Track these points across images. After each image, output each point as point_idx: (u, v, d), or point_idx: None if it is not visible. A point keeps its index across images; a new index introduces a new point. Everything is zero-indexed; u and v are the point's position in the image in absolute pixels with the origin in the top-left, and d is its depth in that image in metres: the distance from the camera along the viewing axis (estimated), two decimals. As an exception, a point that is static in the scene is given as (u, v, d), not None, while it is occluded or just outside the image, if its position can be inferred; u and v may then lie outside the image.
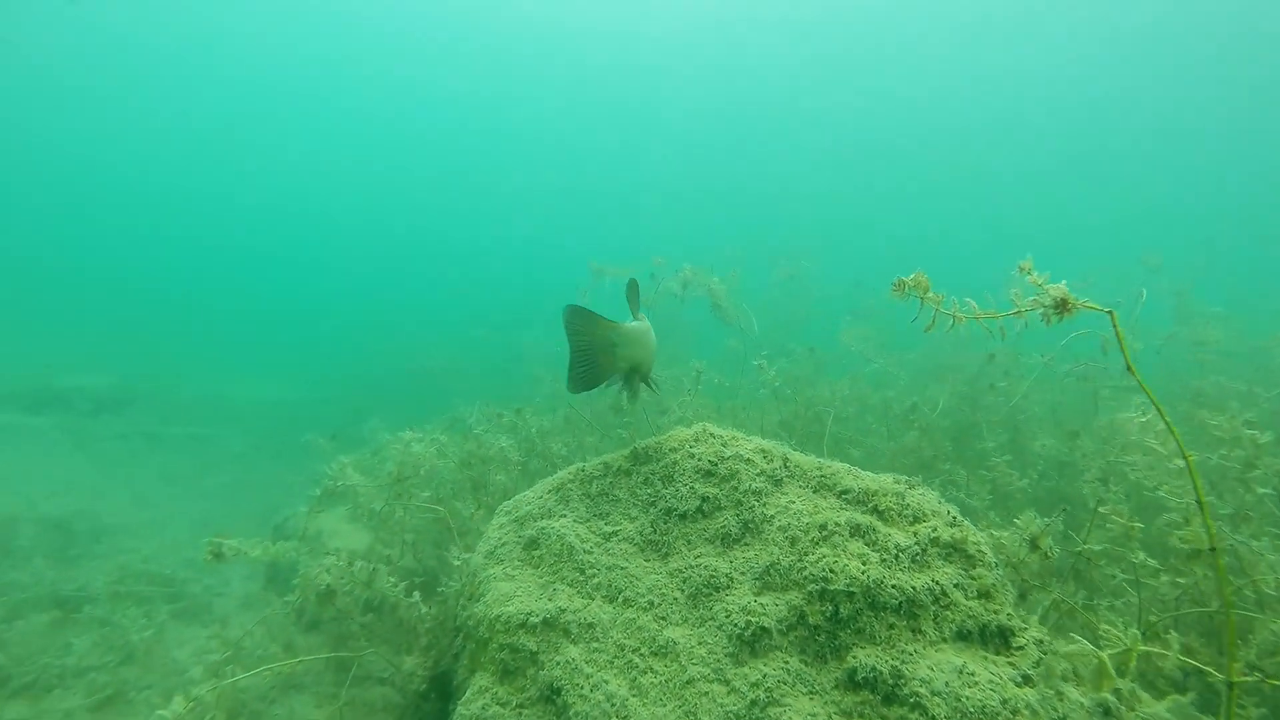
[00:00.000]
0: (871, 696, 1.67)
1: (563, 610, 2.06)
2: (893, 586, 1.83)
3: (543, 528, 2.48)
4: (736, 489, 2.40)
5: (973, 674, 1.64)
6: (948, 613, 1.81)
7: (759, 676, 1.77)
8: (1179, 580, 2.29)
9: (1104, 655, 1.62)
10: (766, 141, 39.85)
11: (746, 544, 2.28)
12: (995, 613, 1.82)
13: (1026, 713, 1.54)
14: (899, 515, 2.16)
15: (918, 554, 1.95)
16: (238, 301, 36.00)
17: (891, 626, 1.79)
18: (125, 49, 36.06)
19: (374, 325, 15.86)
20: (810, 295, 8.98)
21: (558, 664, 1.88)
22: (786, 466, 2.52)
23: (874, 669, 1.69)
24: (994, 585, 1.87)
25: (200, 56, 37.69)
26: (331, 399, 11.89)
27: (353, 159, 46.71)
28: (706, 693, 1.77)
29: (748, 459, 2.52)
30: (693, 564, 2.24)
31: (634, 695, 1.80)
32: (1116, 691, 1.59)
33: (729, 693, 1.76)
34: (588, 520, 2.56)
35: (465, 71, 38.89)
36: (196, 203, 46.72)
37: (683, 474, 2.51)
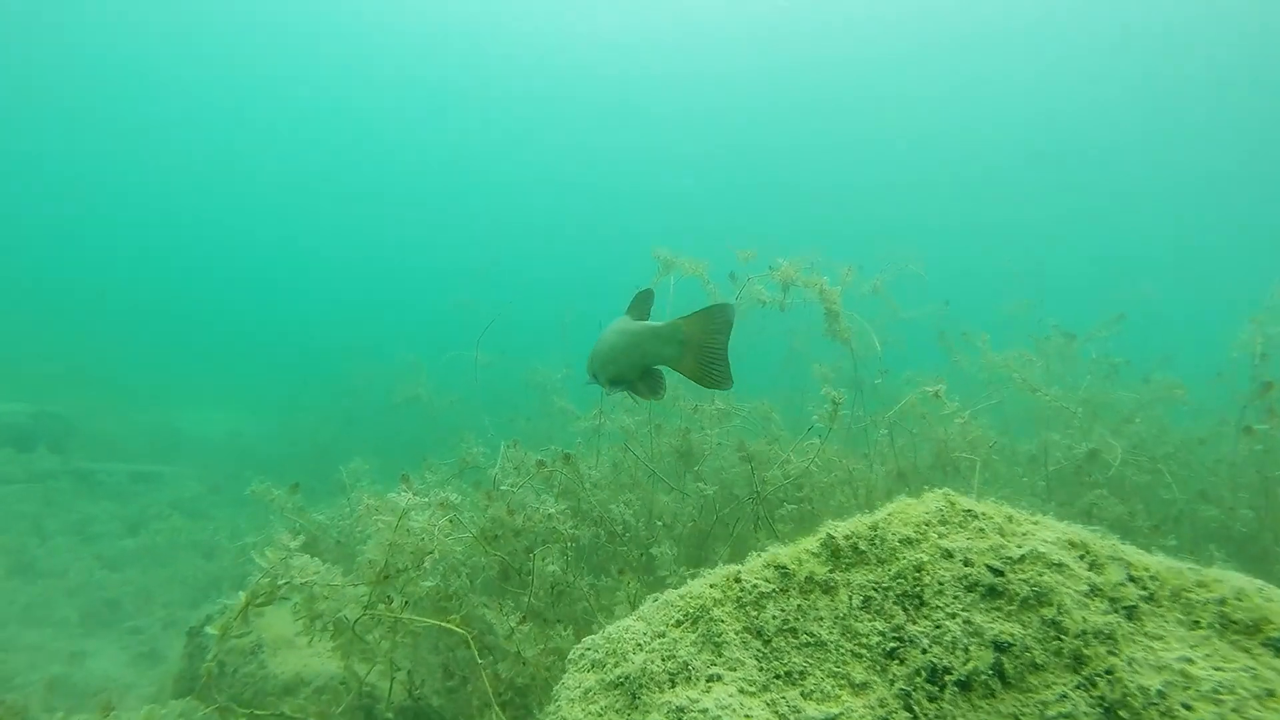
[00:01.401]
0: None
1: None
2: None
3: (681, 712, 1.23)
4: (1058, 626, 1.27)
5: None
6: None
7: None
8: None
9: None
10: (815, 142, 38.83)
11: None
12: None
13: None
14: None
15: None
16: (194, 319, 34.24)
17: None
18: (90, 54, 34.81)
19: (353, 348, 14.34)
20: (890, 313, 7.69)
21: None
22: (1135, 579, 1.36)
23: None
24: None
25: (162, 63, 36.51)
26: (305, 434, 10.28)
27: (329, 165, 45.25)
28: None
29: (1057, 562, 1.35)
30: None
31: None
32: None
33: None
34: (765, 689, 1.33)
35: (457, 78, 37.97)
36: (145, 218, 44.83)
37: (941, 591, 1.36)
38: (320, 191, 45.85)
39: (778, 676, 1.37)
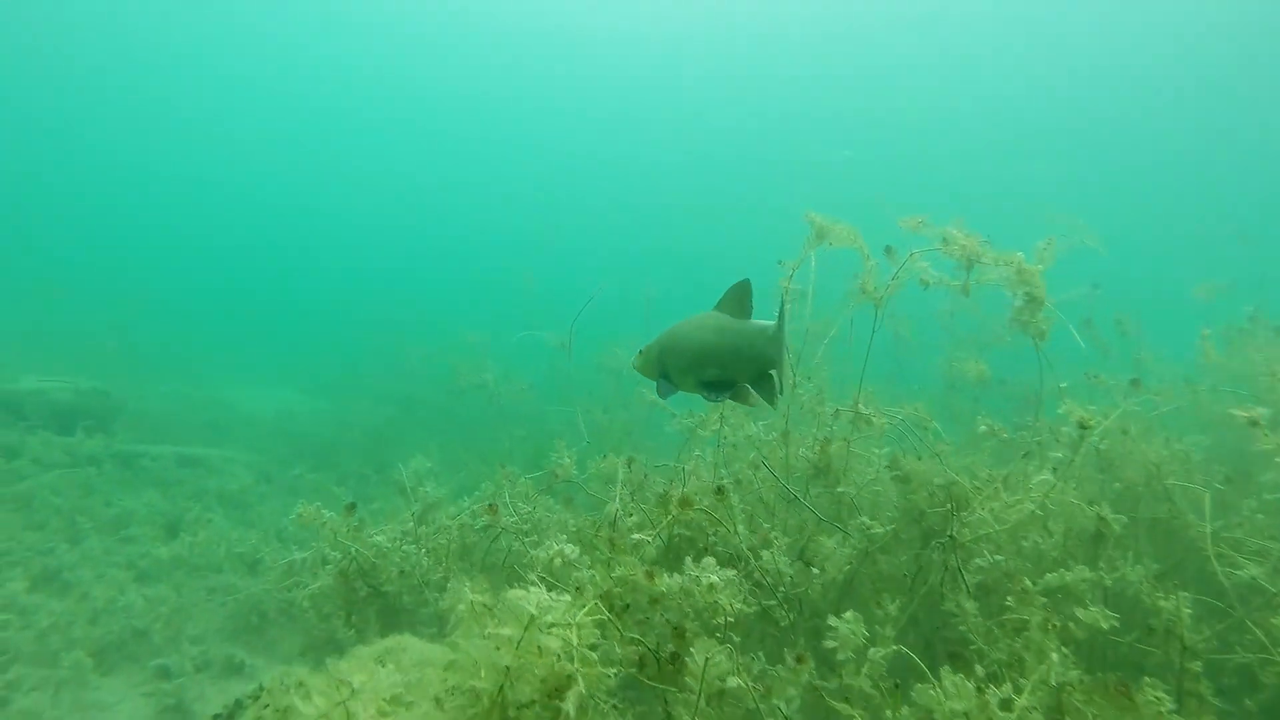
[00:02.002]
0: None
1: None
2: None
3: None
4: None
5: None
6: None
7: None
8: None
9: None
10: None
11: None
12: None
13: None
14: None
15: None
16: (248, 293, 34.40)
17: None
18: (112, 42, 34.92)
19: (411, 325, 13.76)
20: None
21: None
22: None
23: None
24: None
25: (196, 49, 36.43)
26: (359, 418, 9.68)
27: (388, 136, 44.87)
28: None
29: None
30: None
31: None
32: None
33: None
34: None
35: (523, 46, 37.00)
36: (197, 192, 45.21)
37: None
38: (378, 163, 45.68)
39: None
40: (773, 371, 2.18)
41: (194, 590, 4.23)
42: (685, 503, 2.24)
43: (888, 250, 3.46)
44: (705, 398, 2.36)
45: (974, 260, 3.35)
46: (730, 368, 2.21)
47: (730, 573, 2.05)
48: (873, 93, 33.31)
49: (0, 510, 5.39)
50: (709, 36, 33.92)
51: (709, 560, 2.03)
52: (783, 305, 2.18)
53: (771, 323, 2.16)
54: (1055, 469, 2.52)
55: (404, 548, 3.47)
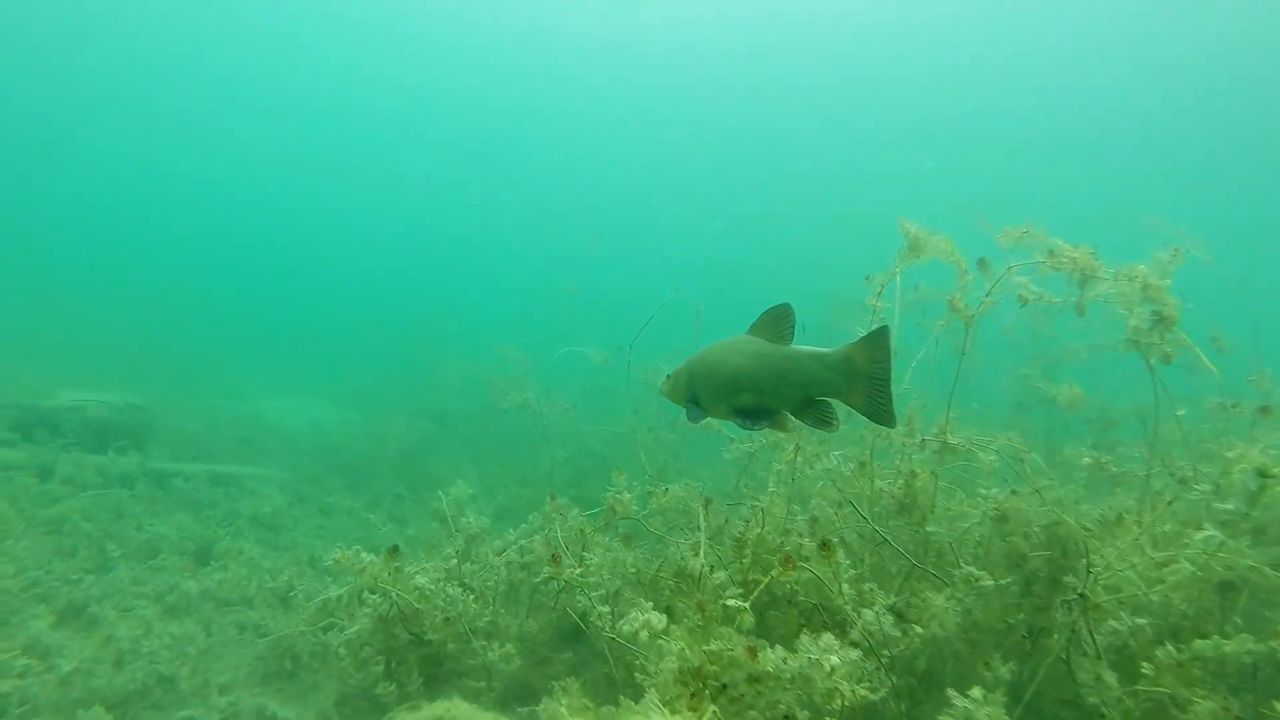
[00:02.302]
0: None
1: None
2: None
3: None
4: None
5: None
6: None
7: None
8: None
9: None
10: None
11: None
12: None
13: None
14: None
15: None
16: (281, 302, 34.69)
17: None
18: (141, 48, 35.45)
19: (445, 337, 13.62)
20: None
21: None
22: None
23: None
24: None
25: (233, 55, 36.92)
26: (393, 434, 9.48)
27: (417, 157, 45.26)
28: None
29: None
30: None
31: None
32: None
33: None
34: None
35: (560, 51, 36.98)
36: (228, 199, 45.82)
37: None
38: (413, 170, 46.00)
39: None
40: (827, 399, 2.10)
41: (224, 627, 3.98)
42: (788, 563, 1.90)
43: (981, 263, 3.11)
44: (739, 425, 2.22)
45: (1088, 275, 2.99)
46: (770, 394, 2.12)
47: (854, 653, 1.70)
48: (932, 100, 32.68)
49: (32, 536, 5.22)
50: (775, 42, 33.46)
51: (828, 639, 1.68)
52: (882, 331, 2.01)
53: (829, 349, 2.09)
54: (1218, 524, 2.13)
55: (447, 589, 3.16)
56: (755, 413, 2.18)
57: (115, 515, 5.95)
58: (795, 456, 3.19)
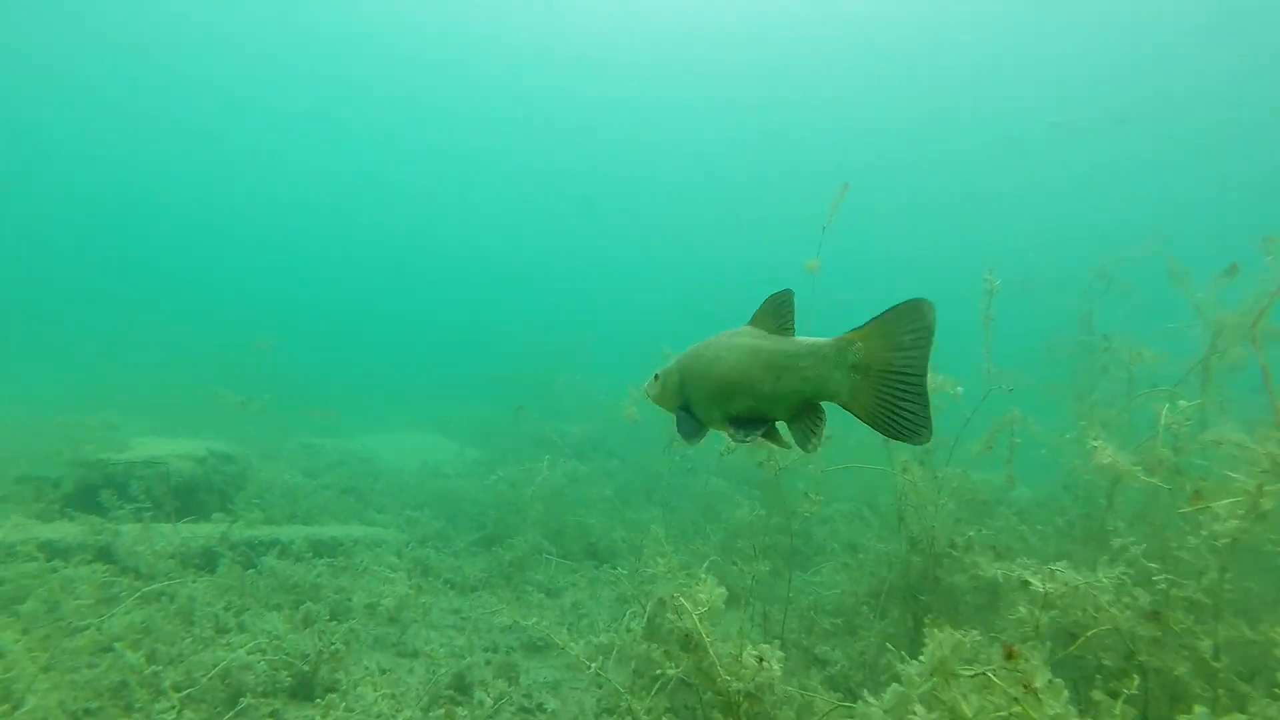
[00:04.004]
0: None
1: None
2: None
3: None
4: None
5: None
6: None
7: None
8: None
9: None
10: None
11: None
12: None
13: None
14: None
15: None
16: (373, 334, 34.03)
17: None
18: (236, 87, 35.81)
19: (558, 357, 11.83)
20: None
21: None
22: None
23: None
24: None
25: (326, 92, 37.06)
26: (521, 474, 7.56)
27: (528, 165, 44.49)
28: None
29: None
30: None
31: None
32: None
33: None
34: None
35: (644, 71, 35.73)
36: (310, 223, 46.05)
37: None
38: (526, 188, 45.39)
39: None
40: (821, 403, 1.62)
41: None
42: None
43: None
44: (731, 436, 1.77)
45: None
46: (764, 399, 1.67)
47: None
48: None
49: (76, 663, 3.50)
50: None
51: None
52: (914, 305, 1.39)
53: (828, 338, 1.56)
54: None
55: None
56: (749, 421, 1.74)
57: (184, 622, 4.19)
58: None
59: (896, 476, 4.88)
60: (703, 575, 3.26)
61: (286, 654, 3.84)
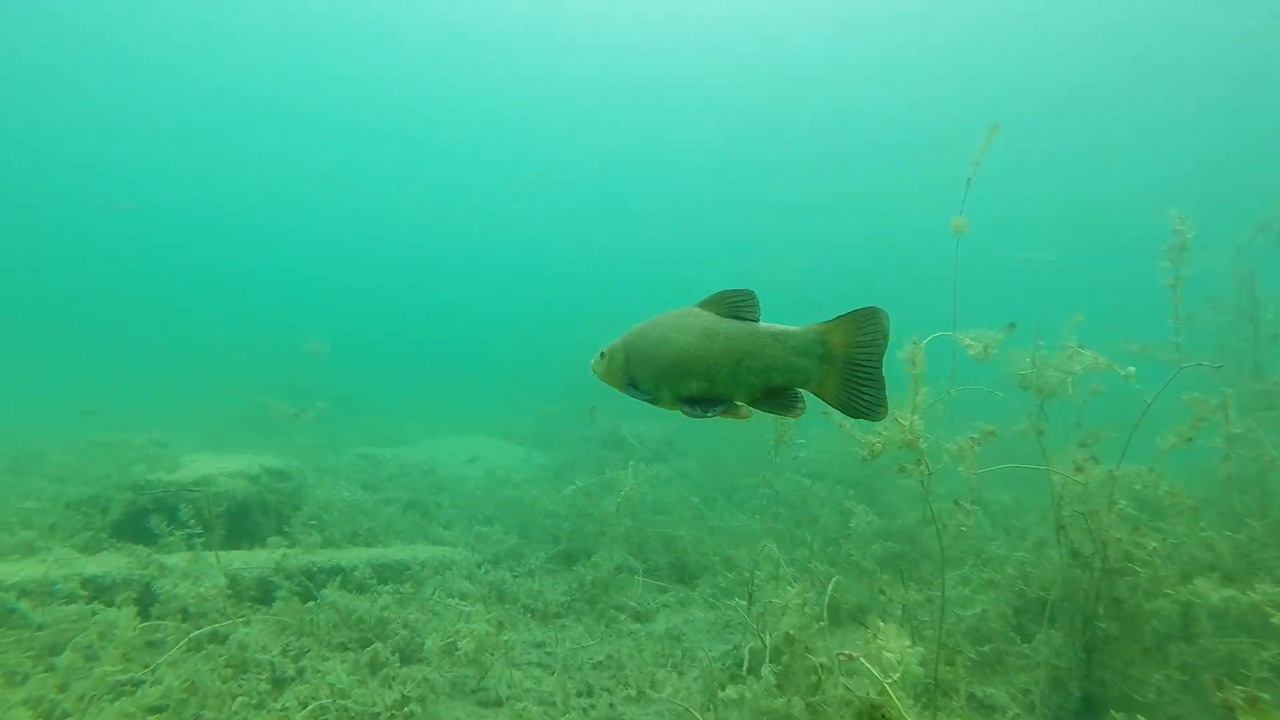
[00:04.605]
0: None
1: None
2: None
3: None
4: None
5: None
6: None
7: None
8: None
9: None
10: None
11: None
12: None
13: None
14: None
15: None
16: (427, 331, 33.94)
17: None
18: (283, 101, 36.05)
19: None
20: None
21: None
22: None
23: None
24: None
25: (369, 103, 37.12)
26: (597, 485, 6.86)
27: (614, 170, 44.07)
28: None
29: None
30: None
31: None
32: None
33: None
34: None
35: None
36: (360, 223, 46.20)
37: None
38: (588, 179, 45.05)
39: None
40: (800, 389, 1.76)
41: None
42: None
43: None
44: (685, 414, 1.84)
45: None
46: (721, 382, 1.78)
47: None
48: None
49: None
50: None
51: None
52: (873, 310, 1.69)
53: (797, 328, 1.73)
54: None
55: None
56: (703, 401, 1.82)
57: (236, 671, 3.60)
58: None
59: (1058, 476, 4.01)
60: (880, 623, 2.48)
61: (352, 714, 3.21)
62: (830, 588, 3.69)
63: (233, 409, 10.02)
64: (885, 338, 1.66)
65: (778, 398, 1.77)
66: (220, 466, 6.33)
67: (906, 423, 3.62)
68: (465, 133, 42.02)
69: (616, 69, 36.33)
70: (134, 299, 36.80)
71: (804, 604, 3.48)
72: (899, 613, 3.81)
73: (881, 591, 4.25)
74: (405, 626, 4.46)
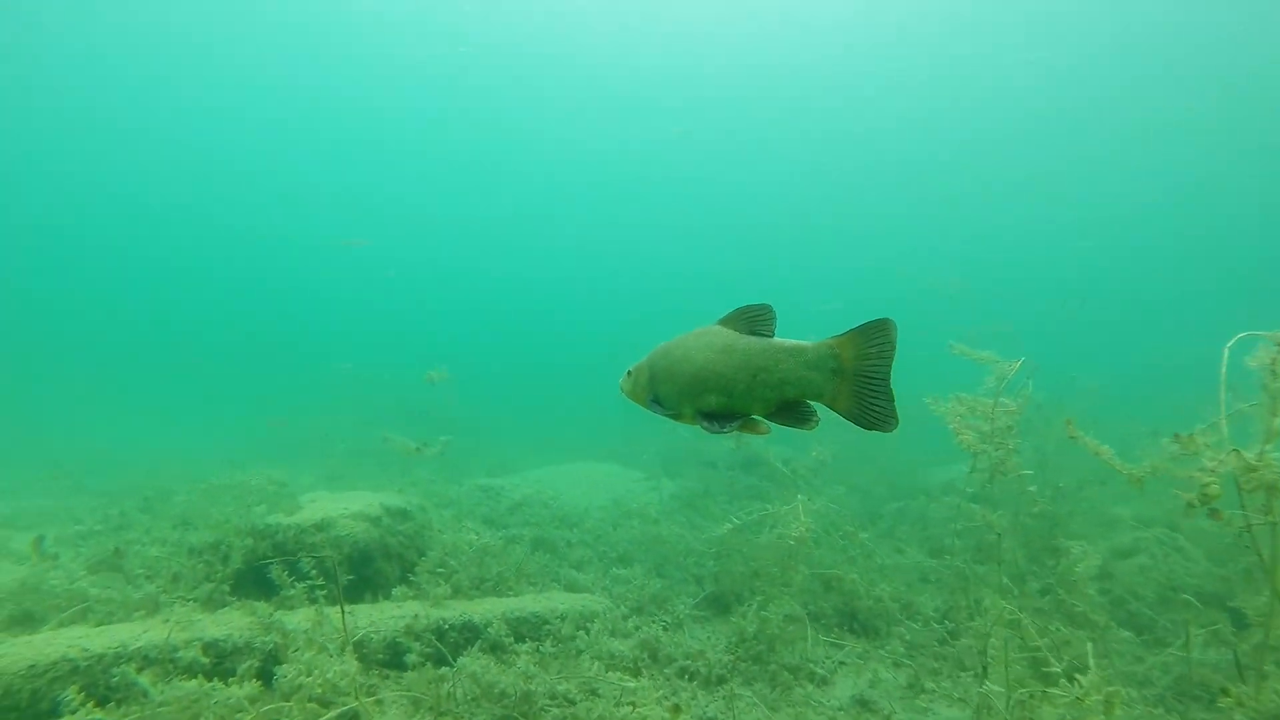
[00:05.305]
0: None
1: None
2: None
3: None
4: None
5: None
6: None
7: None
8: None
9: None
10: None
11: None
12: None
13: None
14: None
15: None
16: (529, 353, 33.93)
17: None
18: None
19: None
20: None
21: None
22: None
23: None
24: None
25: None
26: (736, 512, 6.02)
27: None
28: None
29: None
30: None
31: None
32: None
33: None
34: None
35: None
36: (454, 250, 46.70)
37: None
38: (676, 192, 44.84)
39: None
40: (811, 402, 1.79)
41: None
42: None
43: None
44: (705, 429, 1.86)
45: None
46: (739, 396, 1.80)
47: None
48: None
49: None
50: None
51: None
52: (883, 322, 1.71)
53: (810, 343, 1.77)
54: None
55: None
56: (721, 415, 1.86)
57: (374, 778, 2.97)
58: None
59: None
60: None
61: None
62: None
63: (349, 441, 9.86)
64: (893, 350, 1.68)
65: (792, 411, 1.80)
66: (340, 507, 5.90)
67: (1254, 456, 2.58)
68: (577, 150, 42.38)
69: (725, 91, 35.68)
70: (254, 332, 39.00)
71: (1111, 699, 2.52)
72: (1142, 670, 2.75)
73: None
74: (552, 698, 3.76)
